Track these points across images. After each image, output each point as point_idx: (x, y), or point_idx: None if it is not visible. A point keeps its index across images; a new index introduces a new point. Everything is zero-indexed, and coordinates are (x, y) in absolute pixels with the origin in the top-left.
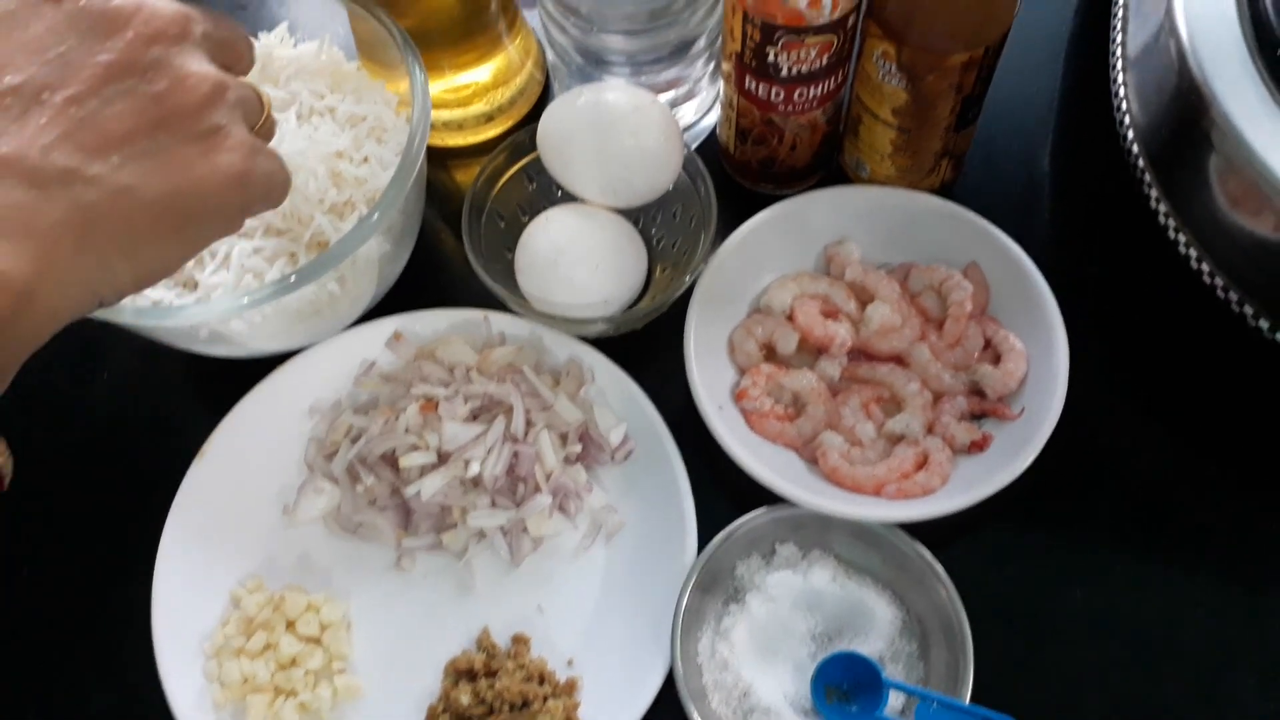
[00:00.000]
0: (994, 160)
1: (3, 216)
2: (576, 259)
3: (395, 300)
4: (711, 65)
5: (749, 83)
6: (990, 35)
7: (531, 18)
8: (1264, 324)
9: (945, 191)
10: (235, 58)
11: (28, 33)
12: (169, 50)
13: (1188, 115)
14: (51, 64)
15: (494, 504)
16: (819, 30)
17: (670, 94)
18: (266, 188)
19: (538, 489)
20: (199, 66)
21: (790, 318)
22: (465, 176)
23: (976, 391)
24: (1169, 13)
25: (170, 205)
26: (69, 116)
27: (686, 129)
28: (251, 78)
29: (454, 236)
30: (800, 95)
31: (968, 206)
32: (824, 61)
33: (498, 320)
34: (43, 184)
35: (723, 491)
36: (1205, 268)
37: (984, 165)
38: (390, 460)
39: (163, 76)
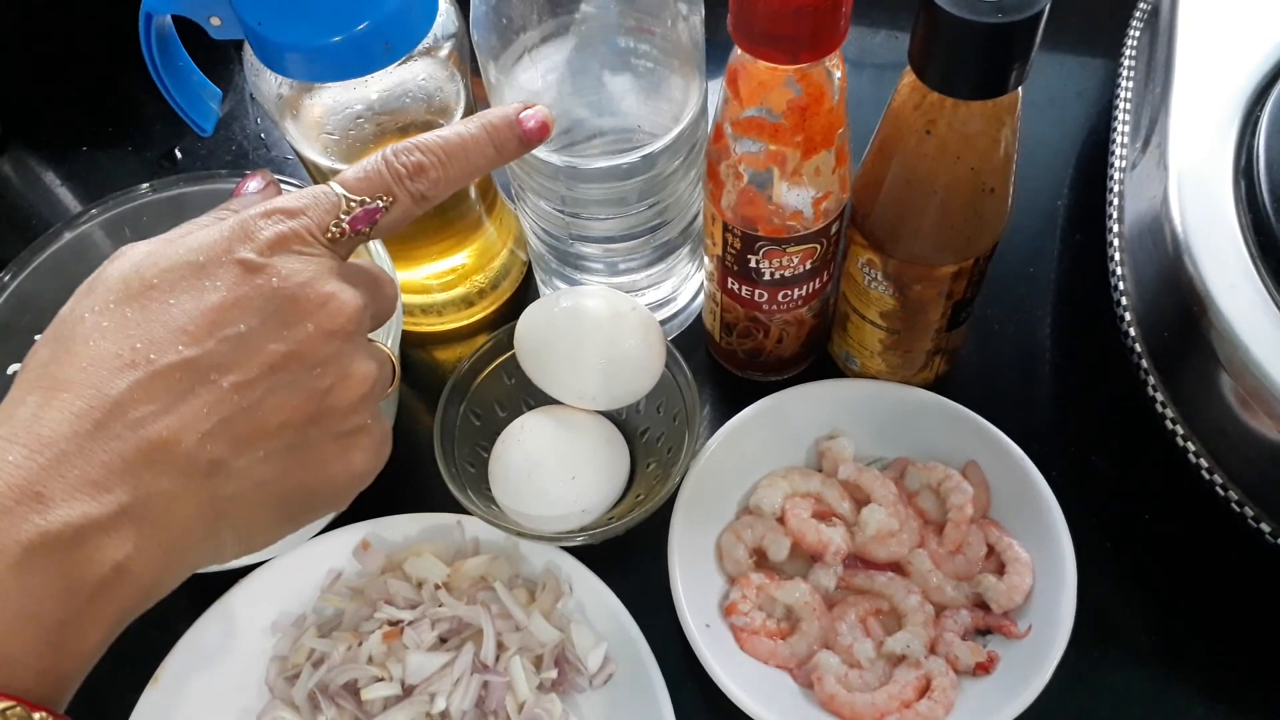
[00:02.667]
0: (991, 347)
1: (145, 504)
2: (552, 470)
3: (368, 498)
4: (697, 259)
5: (731, 283)
6: (981, 247)
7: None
8: (1265, 527)
9: (940, 384)
10: (382, 318)
11: (212, 296)
12: (342, 347)
13: (1186, 313)
14: (229, 342)
15: None
16: (801, 240)
17: (651, 290)
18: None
19: None
20: (364, 365)
21: (781, 520)
22: (446, 355)
23: (980, 604)
24: (1165, 204)
25: (297, 499)
26: (231, 404)
27: (672, 317)
28: None
29: (430, 417)
30: (785, 296)
31: (964, 397)
32: (807, 266)
33: (471, 525)
34: (190, 474)
35: (712, 718)
36: (1205, 463)
37: (981, 352)
38: (353, 689)
39: (330, 374)
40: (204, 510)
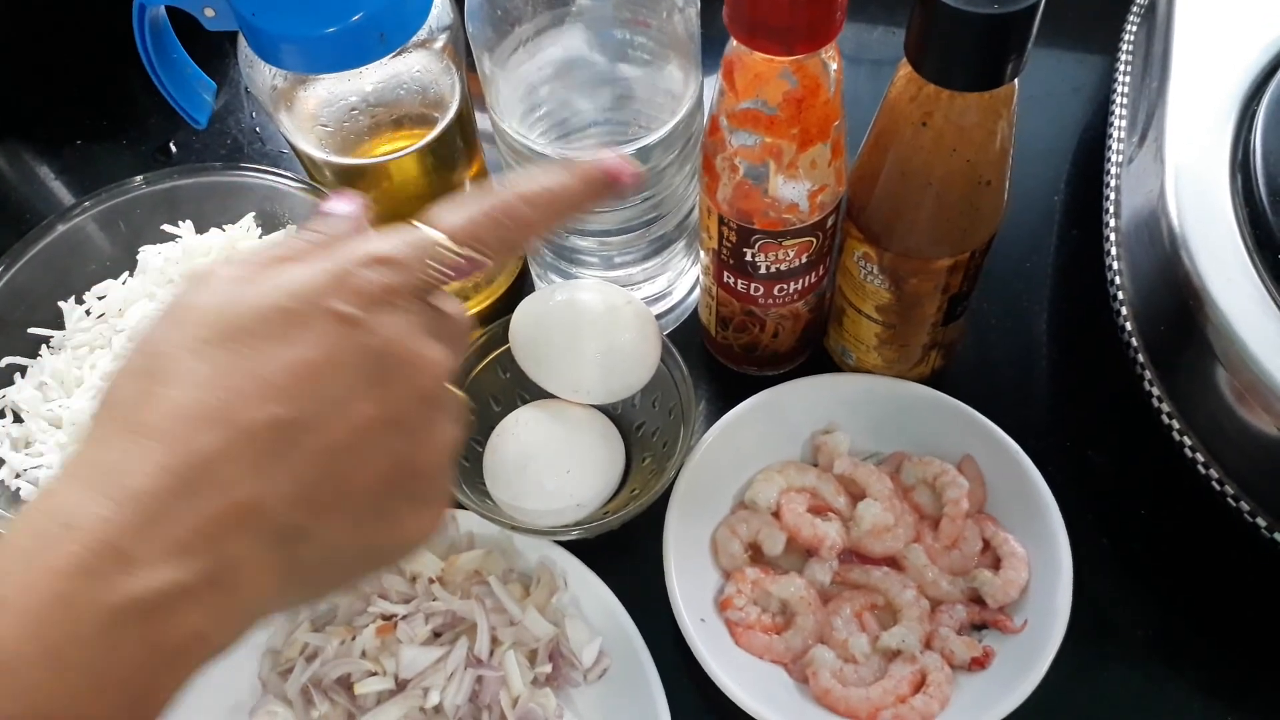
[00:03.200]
0: (987, 342)
1: (226, 570)
2: (546, 463)
3: None
4: (693, 253)
5: (727, 277)
6: (977, 240)
7: None
8: (1261, 521)
9: (936, 379)
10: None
11: (306, 351)
12: (433, 410)
13: (1183, 307)
14: (319, 402)
15: None
16: (797, 233)
17: (647, 284)
18: None
19: (503, 717)
20: (448, 430)
21: (777, 515)
22: None
23: (975, 599)
24: (1162, 198)
25: (366, 558)
26: (318, 469)
27: (668, 311)
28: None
29: None
30: (780, 290)
31: (961, 392)
32: (803, 260)
33: (465, 519)
34: (271, 540)
35: (707, 713)
36: (1201, 458)
37: (977, 348)
38: (346, 684)
39: (418, 438)
40: (280, 575)
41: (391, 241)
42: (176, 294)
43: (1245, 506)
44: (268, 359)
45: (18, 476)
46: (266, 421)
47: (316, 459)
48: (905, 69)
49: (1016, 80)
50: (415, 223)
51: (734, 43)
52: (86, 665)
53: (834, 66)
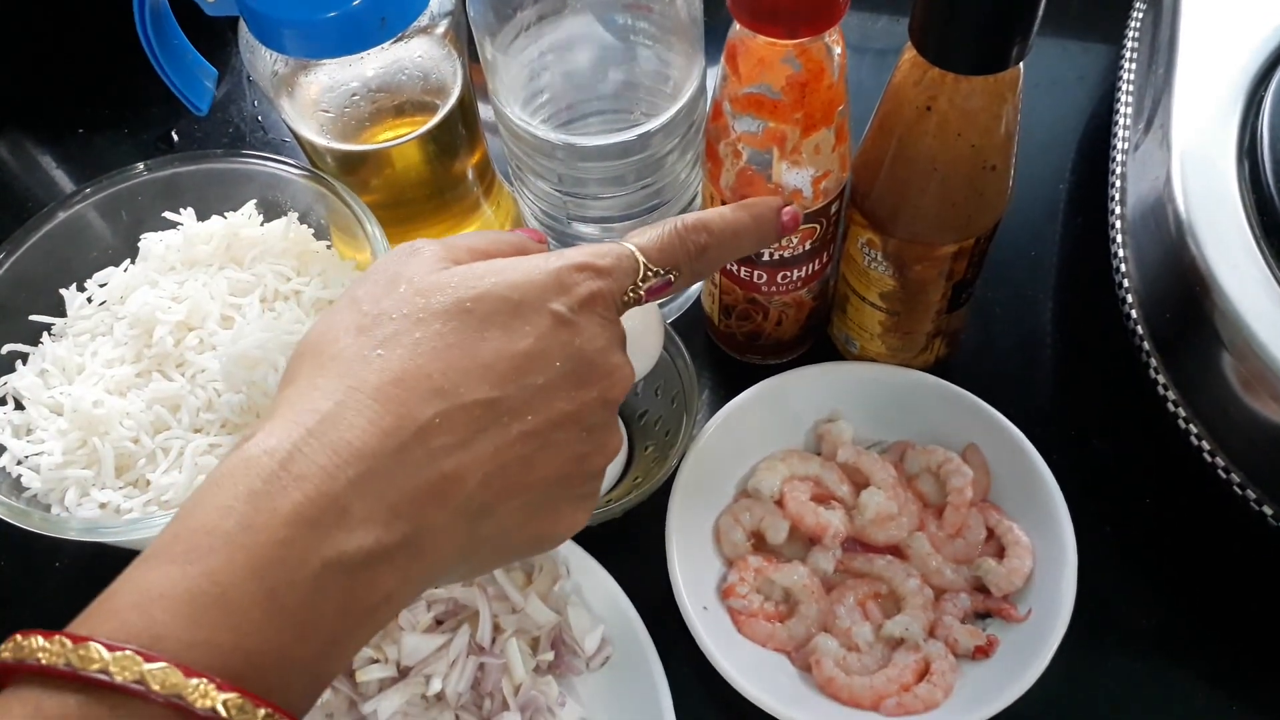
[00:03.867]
0: (992, 330)
1: (422, 537)
2: None
3: None
4: None
5: (730, 264)
6: (981, 226)
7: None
8: (1268, 510)
9: (940, 367)
10: None
11: (523, 342)
12: (610, 416)
13: (1189, 294)
14: (527, 390)
15: None
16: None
17: None
18: None
19: (505, 705)
20: (617, 437)
21: (780, 503)
22: None
23: (979, 587)
24: (1168, 184)
25: (525, 545)
26: (514, 452)
27: (671, 299)
28: (215, 260)
29: None
30: (784, 278)
31: (965, 380)
32: (806, 247)
33: None
34: (463, 513)
35: (709, 701)
36: (1207, 445)
37: (982, 335)
38: (348, 671)
39: (595, 439)
40: (461, 547)
41: (600, 253)
42: (385, 260)
43: (1251, 494)
44: (487, 341)
45: (19, 463)
46: (480, 400)
47: (514, 444)
48: (910, 53)
49: (1021, 65)
50: (622, 241)
51: (737, 27)
52: (295, 611)
53: (838, 51)
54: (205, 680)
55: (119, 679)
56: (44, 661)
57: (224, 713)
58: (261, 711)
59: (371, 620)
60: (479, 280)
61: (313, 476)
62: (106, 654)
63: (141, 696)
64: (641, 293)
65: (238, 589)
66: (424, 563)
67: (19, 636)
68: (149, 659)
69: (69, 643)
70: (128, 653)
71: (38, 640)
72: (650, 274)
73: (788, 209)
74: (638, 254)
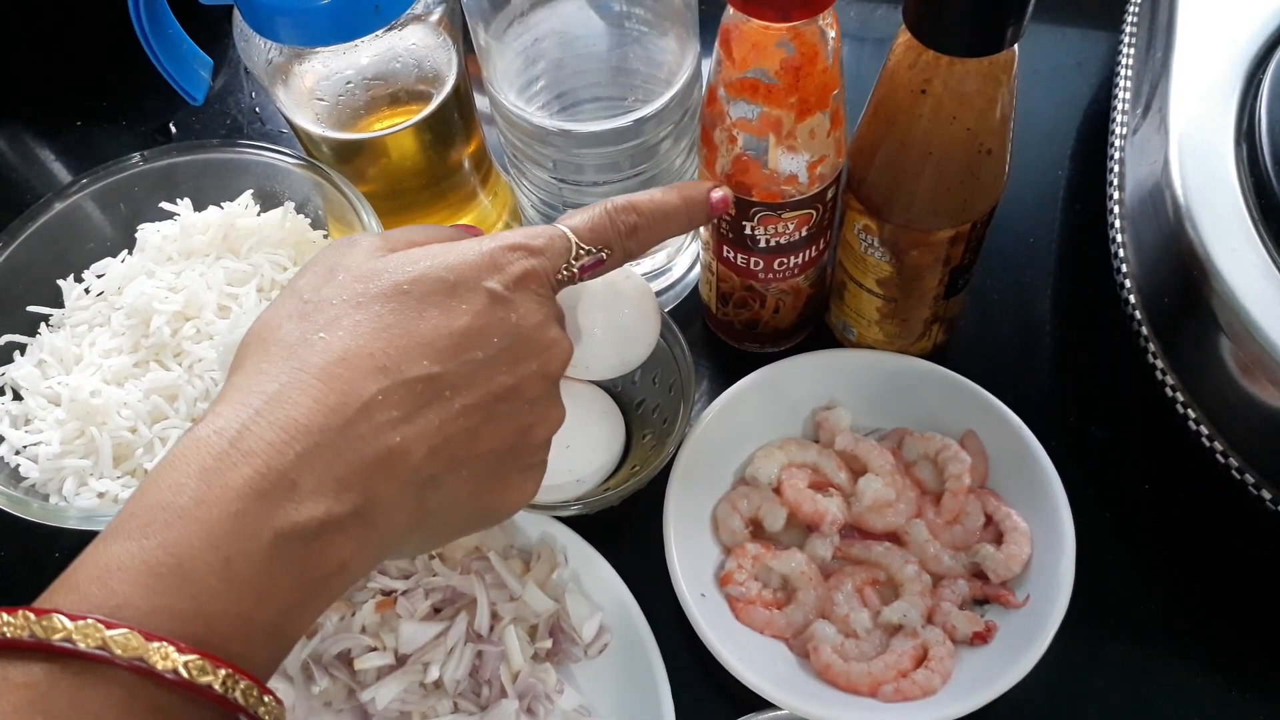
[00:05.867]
0: (990, 317)
1: (372, 508)
2: None
3: None
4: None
5: (727, 251)
6: (978, 211)
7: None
8: (1266, 494)
9: (938, 354)
10: None
11: (460, 320)
12: (550, 388)
13: (1187, 279)
14: (467, 366)
15: (456, 709)
16: (796, 205)
17: (646, 260)
18: None
19: (503, 692)
20: (559, 409)
21: (778, 491)
22: None
23: (978, 574)
24: (1166, 169)
25: (475, 517)
26: (457, 425)
27: (669, 287)
28: (212, 250)
29: None
30: (780, 264)
31: (963, 367)
32: (803, 233)
33: None
34: (411, 484)
35: (707, 688)
36: (1205, 430)
37: (980, 322)
38: (346, 659)
39: (537, 411)
40: (412, 518)
41: (532, 233)
42: (324, 252)
43: (1250, 479)
44: (426, 320)
45: (17, 453)
46: (421, 376)
47: (457, 416)
48: (904, 36)
49: (1016, 47)
50: (555, 224)
51: (731, 11)
52: (252, 579)
53: (832, 35)
54: (165, 643)
55: (82, 646)
56: (9, 635)
57: (185, 674)
58: (222, 672)
59: (327, 587)
60: (414, 264)
61: (261, 452)
62: (69, 623)
63: (105, 661)
64: (575, 270)
65: (194, 559)
66: (376, 533)
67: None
68: (110, 626)
69: (32, 615)
70: (90, 621)
71: (1, 616)
72: (582, 252)
73: (717, 191)
74: (570, 234)
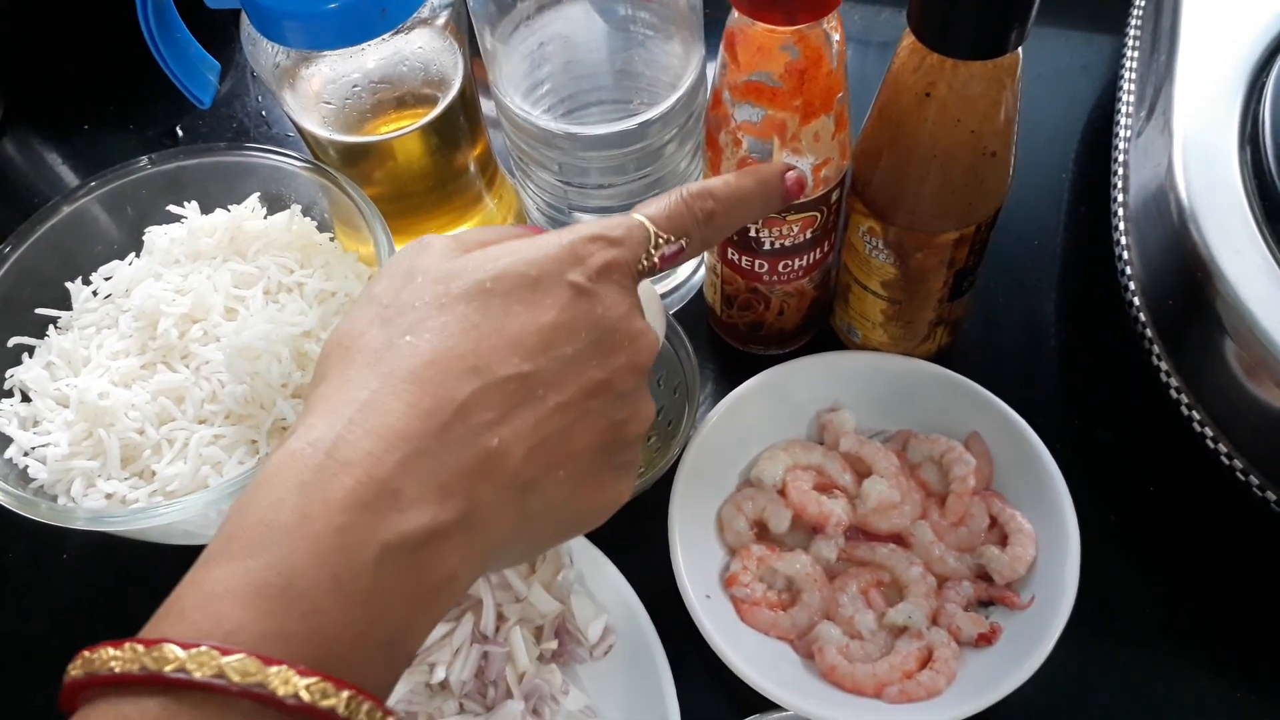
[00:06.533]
0: (995, 319)
1: (476, 514)
2: None
3: None
4: None
5: (731, 254)
6: (982, 213)
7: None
8: (1271, 495)
9: (942, 356)
10: None
11: (546, 315)
12: (640, 382)
13: (1191, 280)
14: (557, 362)
15: (462, 709)
16: (801, 208)
17: None
18: None
19: (509, 693)
20: (650, 404)
21: (782, 492)
22: None
23: (983, 575)
24: (1170, 171)
25: (573, 520)
26: (552, 424)
27: (673, 290)
28: (219, 252)
29: None
30: (785, 267)
31: (967, 369)
32: (808, 235)
33: None
34: (512, 487)
35: (712, 689)
36: (1210, 432)
37: (984, 325)
38: None
39: (629, 406)
40: (515, 524)
41: (611, 224)
42: (397, 257)
43: (1254, 480)
44: (512, 318)
45: (26, 455)
46: (513, 375)
47: (551, 415)
48: (909, 39)
49: (1020, 50)
50: (631, 213)
51: (736, 14)
52: (362, 595)
53: (836, 38)
54: (285, 667)
55: (198, 675)
56: (119, 669)
57: (307, 698)
58: (345, 694)
59: (438, 600)
60: (495, 261)
61: (360, 462)
62: (181, 653)
63: (222, 691)
64: (655, 260)
65: (303, 577)
66: (481, 540)
67: (86, 652)
68: (225, 652)
69: (141, 647)
70: (203, 649)
71: (107, 651)
72: (661, 241)
73: (792, 173)
74: (647, 223)
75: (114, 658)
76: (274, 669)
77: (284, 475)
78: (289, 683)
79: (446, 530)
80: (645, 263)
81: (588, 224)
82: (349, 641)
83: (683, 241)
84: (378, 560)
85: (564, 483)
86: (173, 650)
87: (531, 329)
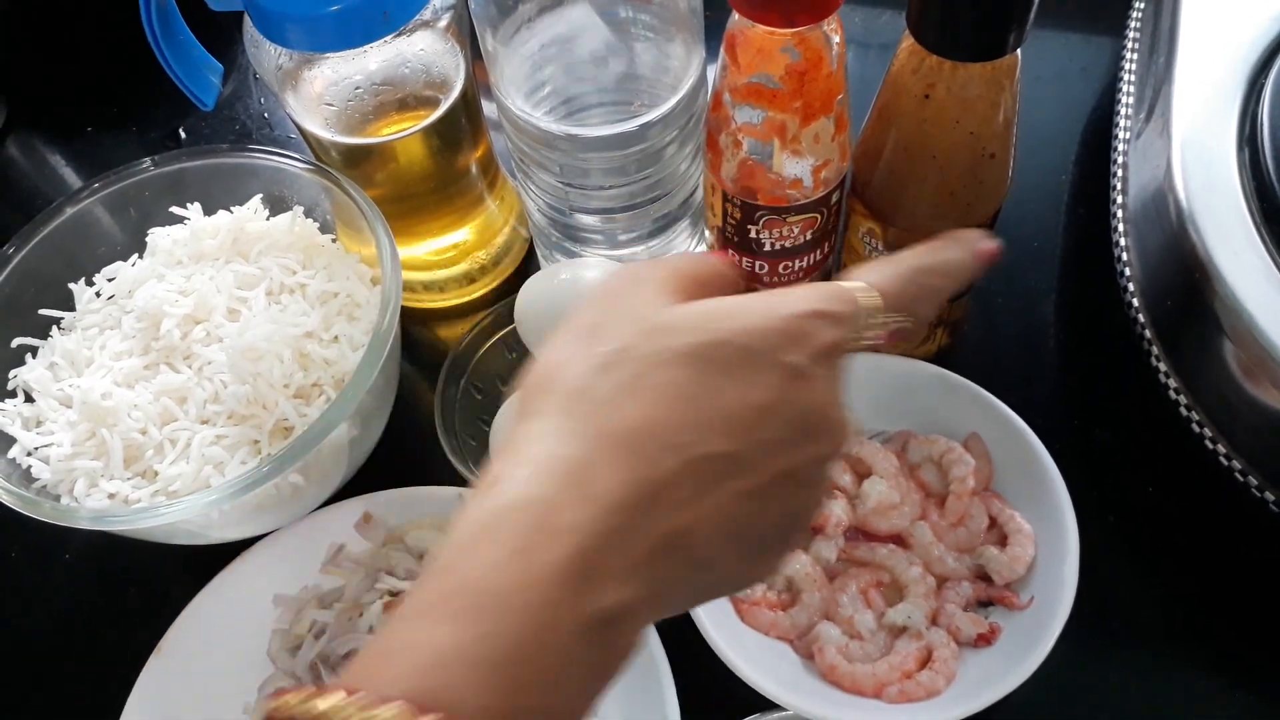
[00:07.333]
0: (994, 320)
1: (658, 592)
2: None
3: (369, 472)
4: (698, 231)
5: (732, 254)
6: (982, 215)
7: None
8: (1269, 496)
9: (942, 357)
10: None
11: (758, 394)
12: (824, 473)
13: (1190, 282)
14: (757, 447)
15: None
16: (801, 209)
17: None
18: None
19: None
20: (826, 493)
21: None
22: (448, 331)
23: (982, 576)
24: (1168, 173)
25: (728, 588)
26: (738, 508)
27: None
28: (222, 254)
29: (431, 393)
30: (785, 268)
31: (967, 370)
32: (808, 236)
33: None
34: (690, 566)
35: (712, 689)
36: (1208, 433)
37: (984, 326)
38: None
39: (809, 494)
40: (685, 599)
41: (837, 297)
42: (607, 290)
43: (1253, 481)
44: (725, 394)
45: (29, 455)
46: (715, 455)
47: (739, 499)
48: (908, 41)
49: (1019, 52)
50: (853, 280)
51: (736, 17)
52: (555, 668)
53: (836, 40)
54: None
55: None
56: None
57: None
58: None
59: (616, 673)
60: (715, 325)
61: (573, 532)
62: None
63: None
64: (879, 337)
65: (516, 652)
66: (657, 614)
67: (296, 697)
68: None
69: (374, 706)
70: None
71: (335, 697)
72: (889, 320)
73: (988, 243)
74: (873, 298)
75: (335, 708)
76: None
77: (497, 535)
78: None
79: (634, 608)
80: (867, 342)
81: (809, 292)
82: (539, 716)
83: (908, 322)
84: (576, 635)
85: (735, 561)
86: (406, 712)
87: (740, 408)
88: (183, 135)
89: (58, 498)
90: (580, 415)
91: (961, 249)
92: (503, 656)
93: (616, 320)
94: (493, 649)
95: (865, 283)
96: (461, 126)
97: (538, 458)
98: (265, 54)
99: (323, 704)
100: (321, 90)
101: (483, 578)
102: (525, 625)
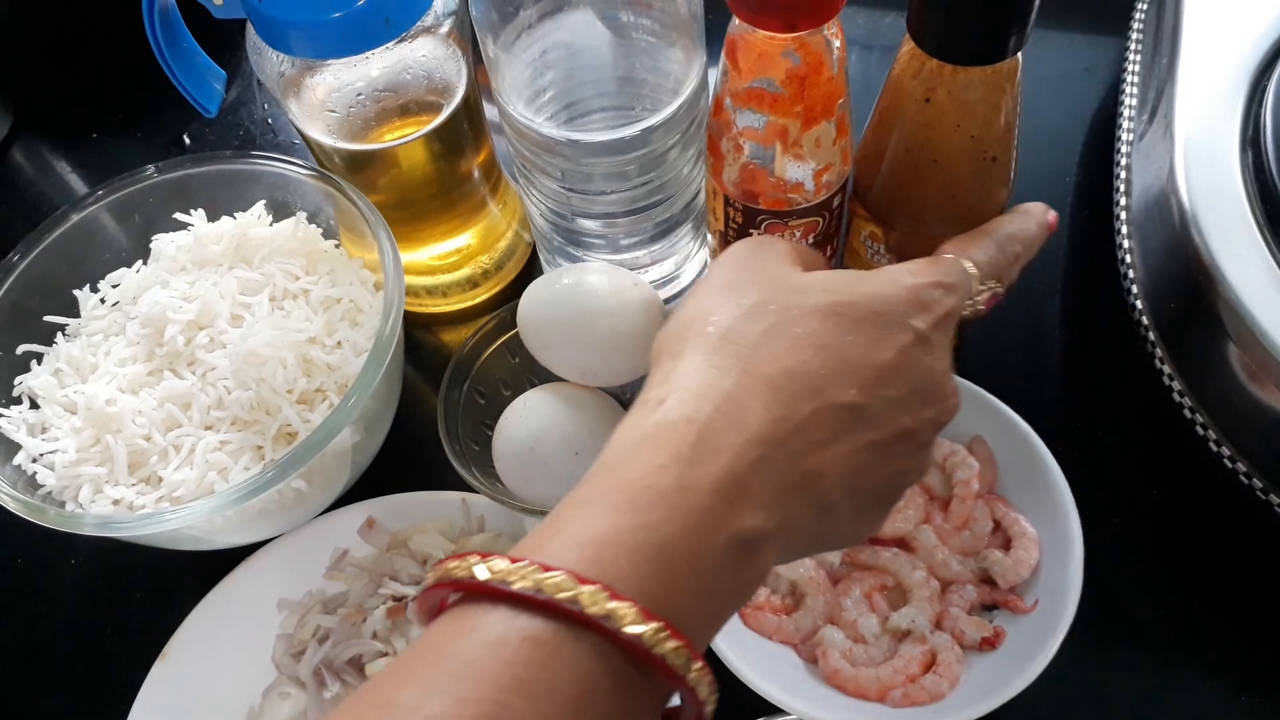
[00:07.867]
0: (997, 322)
1: (787, 527)
2: (554, 446)
3: (372, 477)
4: (700, 236)
5: None
6: (983, 217)
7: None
8: (1274, 499)
9: None
10: None
11: (885, 354)
12: (934, 438)
13: (1193, 284)
14: (882, 401)
15: None
16: (803, 213)
17: (654, 267)
18: None
19: None
20: (932, 458)
21: None
22: (451, 336)
23: (986, 579)
24: (1171, 174)
25: (831, 544)
26: (861, 458)
27: (676, 295)
28: (225, 260)
29: (435, 398)
30: None
31: (971, 373)
32: (810, 240)
33: (476, 504)
34: (816, 509)
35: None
36: (1213, 435)
37: (987, 328)
38: (358, 665)
39: (920, 457)
40: (805, 540)
41: (947, 269)
42: (741, 252)
43: (1257, 483)
44: (855, 348)
45: (34, 460)
46: (846, 404)
47: (862, 450)
48: (908, 45)
49: (1020, 55)
50: (953, 254)
51: (737, 21)
52: (706, 575)
53: (837, 44)
54: (661, 625)
55: (590, 611)
56: (515, 588)
57: (672, 660)
58: (696, 667)
59: (748, 594)
60: (846, 287)
61: (726, 451)
62: (578, 586)
63: (610, 634)
64: (981, 307)
65: (673, 546)
66: (784, 549)
67: (461, 562)
68: (615, 597)
69: (537, 571)
70: (598, 589)
71: (498, 563)
72: (983, 288)
73: (1053, 215)
74: (971, 267)
75: (510, 571)
76: (653, 624)
77: (660, 442)
78: (664, 643)
79: (770, 535)
80: (970, 308)
81: (922, 266)
82: (687, 616)
83: (999, 287)
84: (723, 548)
85: (851, 512)
86: (568, 581)
87: (870, 364)
88: (187, 142)
89: (63, 504)
90: (730, 353)
91: (1033, 219)
92: (658, 549)
93: (753, 278)
94: (650, 540)
95: (964, 259)
96: (464, 132)
97: (695, 387)
98: (268, 61)
99: (486, 569)
100: (324, 97)
101: (644, 477)
102: (682, 524)
